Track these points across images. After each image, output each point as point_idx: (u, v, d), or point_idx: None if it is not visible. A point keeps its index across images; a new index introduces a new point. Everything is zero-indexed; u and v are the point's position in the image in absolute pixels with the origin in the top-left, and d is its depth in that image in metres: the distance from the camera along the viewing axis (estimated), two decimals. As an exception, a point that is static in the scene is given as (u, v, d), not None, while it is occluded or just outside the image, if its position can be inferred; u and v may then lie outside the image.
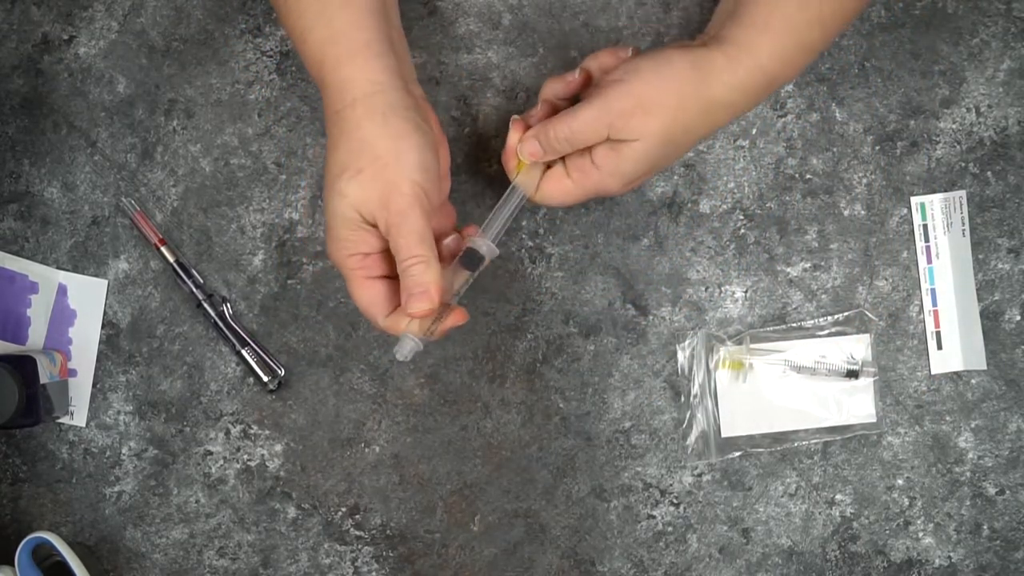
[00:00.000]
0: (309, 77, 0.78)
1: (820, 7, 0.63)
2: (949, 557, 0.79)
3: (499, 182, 0.79)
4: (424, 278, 0.61)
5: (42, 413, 0.74)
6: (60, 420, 0.79)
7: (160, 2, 0.78)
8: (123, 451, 0.79)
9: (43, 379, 0.74)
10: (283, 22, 0.65)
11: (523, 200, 0.67)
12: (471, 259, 0.65)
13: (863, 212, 0.79)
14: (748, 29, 0.63)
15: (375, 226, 0.61)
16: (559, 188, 0.66)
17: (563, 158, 0.66)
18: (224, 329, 0.78)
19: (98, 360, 0.79)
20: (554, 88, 0.68)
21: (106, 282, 0.79)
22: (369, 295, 0.63)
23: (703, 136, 0.65)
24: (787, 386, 0.78)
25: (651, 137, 0.63)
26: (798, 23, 0.63)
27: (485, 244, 0.65)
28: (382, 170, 0.60)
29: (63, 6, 0.79)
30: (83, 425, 0.79)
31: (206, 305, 0.78)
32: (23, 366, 0.73)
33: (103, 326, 0.79)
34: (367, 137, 0.60)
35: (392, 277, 0.63)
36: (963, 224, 0.78)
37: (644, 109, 0.62)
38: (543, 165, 0.67)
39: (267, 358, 0.78)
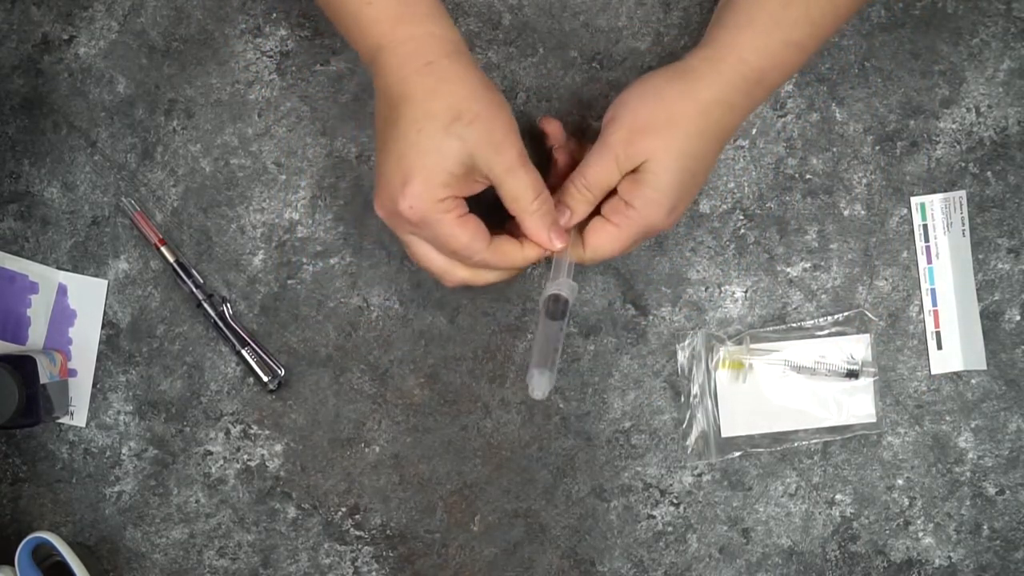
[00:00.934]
0: (309, 77, 0.78)
1: (807, 5, 0.63)
2: (949, 557, 0.79)
3: (499, 182, 0.79)
4: (555, 213, 0.65)
5: (42, 413, 0.74)
6: (60, 420, 0.79)
7: (160, 2, 0.78)
8: (123, 451, 0.79)
9: (43, 379, 0.74)
10: None
11: (571, 267, 0.68)
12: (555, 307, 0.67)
13: (863, 212, 0.79)
14: (729, 29, 0.65)
15: (473, 172, 0.63)
16: (605, 235, 0.66)
17: (599, 211, 0.67)
18: (224, 329, 0.78)
19: (98, 360, 0.79)
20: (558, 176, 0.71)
21: (106, 282, 0.79)
22: (471, 229, 0.63)
23: (715, 140, 0.65)
24: (787, 386, 0.78)
25: (660, 154, 0.63)
26: (781, 20, 0.64)
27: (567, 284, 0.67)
28: (496, 115, 0.62)
29: (63, 6, 0.79)
30: (83, 425, 0.79)
31: (206, 305, 0.78)
32: (23, 366, 0.73)
33: (103, 326, 0.79)
34: (477, 85, 0.62)
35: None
36: (963, 224, 0.78)
37: (640, 132, 0.63)
38: (577, 229, 0.67)
39: (267, 358, 0.78)
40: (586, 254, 0.67)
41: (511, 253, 0.66)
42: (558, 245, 0.65)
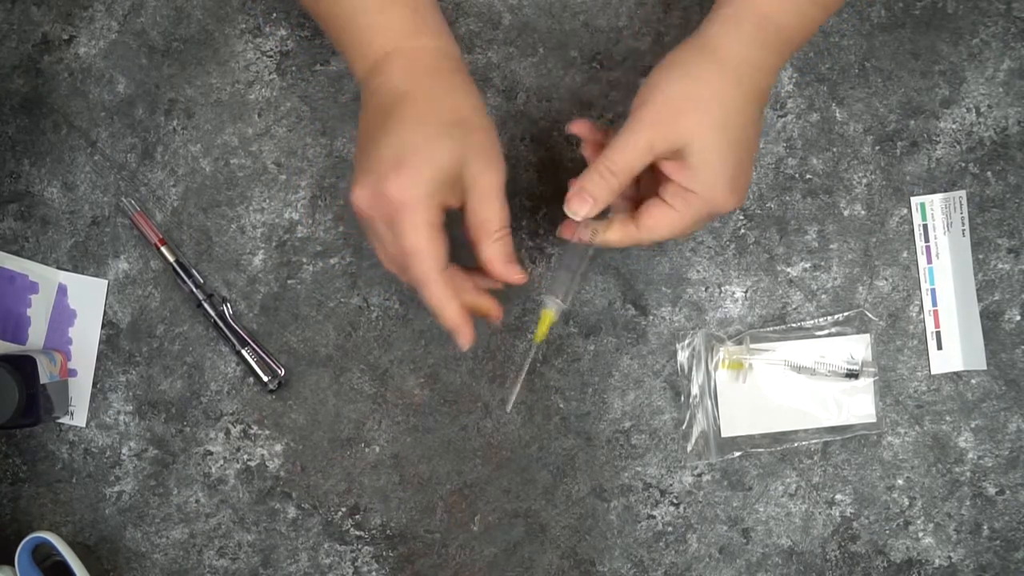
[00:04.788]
0: (309, 77, 0.78)
1: None
2: (949, 557, 0.79)
3: (499, 182, 0.79)
4: (513, 252, 0.63)
5: (42, 413, 0.74)
6: (60, 420, 0.79)
7: (160, 2, 0.78)
8: (123, 451, 0.79)
9: (43, 379, 0.74)
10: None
11: (589, 254, 0.68)
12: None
13: (863, 212, 0.79)
14: None
15: (456, 184, 0.61)
16: (664, 217, 0.63)
17: (659, 192, 0.64)
18: (224, 329, 0.78)
19: (98, 360, 0.79)
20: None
21: (106, 282, 0.79)
22: (437, 237, 0.60)
23: (753, 104, 0.62)
24: (787, 386, 0.78)
25: (702, 132, 0.61)
26: None
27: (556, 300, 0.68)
28: (493, 137, 0.61)
29: (63, 6, 0.79)
30: (83, 425, 0.79)
31: (206, 305, 0.78)
32: (23, 366, 0.73)
33: (103, 326, 0.79)
34: (480, 104, 0.63)
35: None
36: (963, 224, 0.78)
37: (676, 113, 0.61)
38: (625, 211, 0.66)
39: (267, 358, 0.78)
40: (640, 234, 0.63)
41: (458, 288, 0.63)
42: (515, 278, 0.63)
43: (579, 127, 0.68)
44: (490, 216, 0.61)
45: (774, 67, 0.63)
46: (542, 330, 0.68)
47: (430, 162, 0.59)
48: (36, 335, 0.79)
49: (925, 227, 0.78)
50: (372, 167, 0.60)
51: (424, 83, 0.61)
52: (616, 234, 0.65)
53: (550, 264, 0.78)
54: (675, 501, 0.79)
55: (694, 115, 0.61)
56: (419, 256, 0.60)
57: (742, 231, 0.79)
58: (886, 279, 0.79)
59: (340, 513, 0.79)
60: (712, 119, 0.61)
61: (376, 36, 0.63)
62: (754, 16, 0.62)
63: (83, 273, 0.79)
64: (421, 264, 0.60)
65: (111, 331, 0.79)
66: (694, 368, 0.78)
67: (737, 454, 0.78)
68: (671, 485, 0.79)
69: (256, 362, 0.78)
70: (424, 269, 0.61)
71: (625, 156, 0.62)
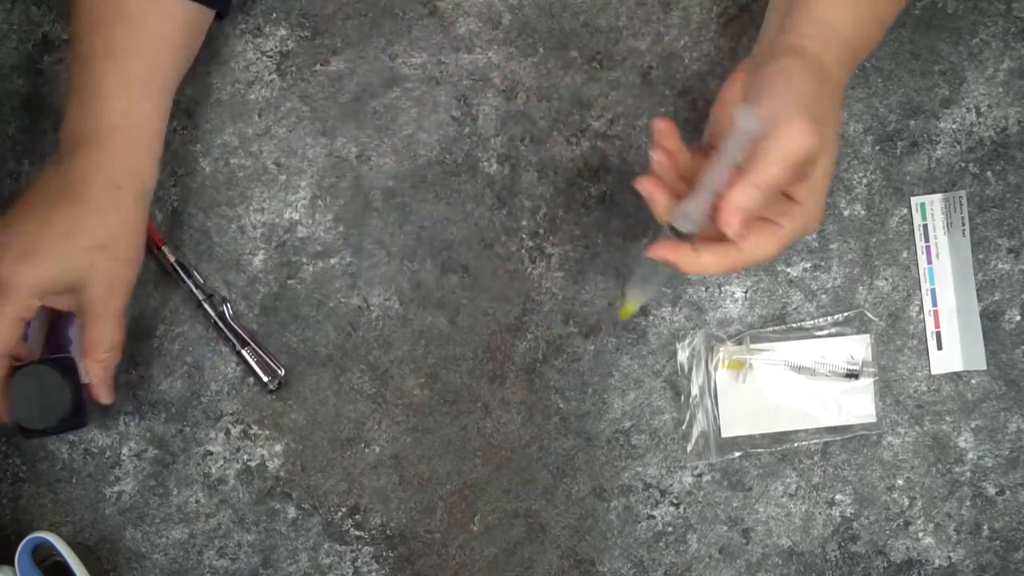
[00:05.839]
0: (309, 77, 0.78)
1: None
2: (949, 557, 0.79)
3: (498, 182, 0.79)
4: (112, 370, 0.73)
5: (87, 414, 0.73)
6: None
7: (160, 2, 0.78)
8: (123, 451, 0.79)
9: (83, 379, 0.73)
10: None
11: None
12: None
13: (863, 212, 0.79)
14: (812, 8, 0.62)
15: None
16: (769, 235, 0.59)
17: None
18: (224, 329, 0.78)
19: (98, 360, 0.79)
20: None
21: (106, 282, 0.79)
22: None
23: (830, 118, 0.60)
24: (787, 386, 0.78)
25: (829, 146, 0.59)
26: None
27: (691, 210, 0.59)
28: (119, 260, 0.71)
29: (63, 6, 0.79)
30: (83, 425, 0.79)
31: (206, 305, 0.78)
32: (64, 366, 0.72)
33: (103, 326, 0.79)
34: (122, 219, 0.71)
35: None
36: (963, 224, 0.78)
37: (813, 121, 0.56)
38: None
39: (267, 358, 0.78)
40: (744, 253, 0.58)
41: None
42: (103, 399, 0.71)
43: (665, 127, 0.61)
44: (102, 335, 0.69)
45: (840, 77, 0.63)
46: (628, 310, 0.67)
47: (52, 267, 0.66)
48: (36, 336, 0.78)
49: (925, 227, 0.78)
50: (11, 241, 0.67)
51: (104, 190, 0.67)
52: (714, 256, 0.59)
53: (550, 264, 0.78)
54: (675, 501, 0.79)
55: (826, 128, 0.58)
56: None
57: (742, 231, 0.78)
58: (886, 279, 0.79)
59: (340, 513, 0.79)
60: (834, 132, 0.60)
61: (113, 100, 0.68)
62: (828, 34, 0.61)
63: (83, 273, 0.79)
64: None
65: (111, 331, 0.79)
66: (694, 368, 0.78)
67: (737, 454, 0.78)
68: (671, 485, 0.79)
69: (256, 362, 0.78)
70: None
71: (771, 168, 0.56)
